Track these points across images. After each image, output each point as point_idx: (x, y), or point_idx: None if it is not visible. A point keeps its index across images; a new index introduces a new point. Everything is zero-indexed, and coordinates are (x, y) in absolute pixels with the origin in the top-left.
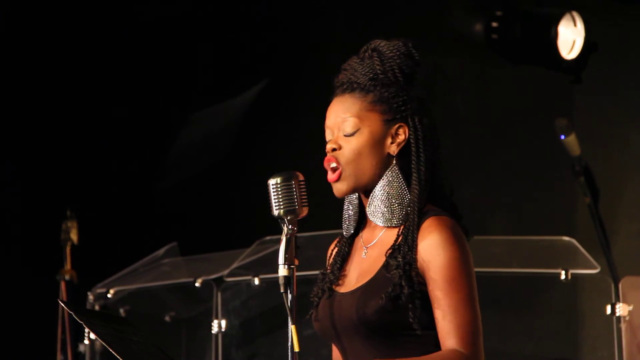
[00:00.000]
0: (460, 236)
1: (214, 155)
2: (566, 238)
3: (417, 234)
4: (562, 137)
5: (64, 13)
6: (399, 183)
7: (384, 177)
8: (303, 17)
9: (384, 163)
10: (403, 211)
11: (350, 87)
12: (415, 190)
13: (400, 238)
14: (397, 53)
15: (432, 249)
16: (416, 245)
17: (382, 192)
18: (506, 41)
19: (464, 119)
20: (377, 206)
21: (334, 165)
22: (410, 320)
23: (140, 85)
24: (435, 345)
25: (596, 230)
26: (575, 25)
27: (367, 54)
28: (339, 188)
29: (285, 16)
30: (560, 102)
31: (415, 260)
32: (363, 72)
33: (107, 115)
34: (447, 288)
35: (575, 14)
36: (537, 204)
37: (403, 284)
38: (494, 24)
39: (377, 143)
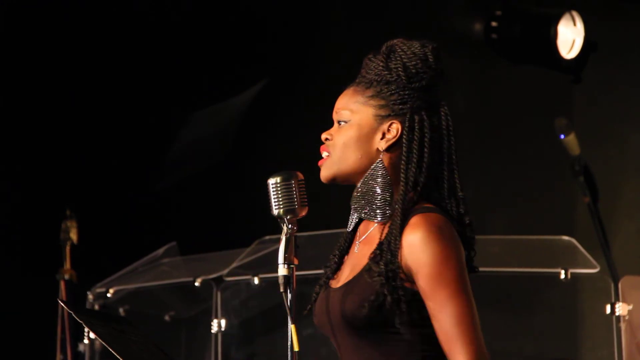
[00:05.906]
0: (447, 232)
1: (213, 155)
2: (566, 237)
3: (401, 235)
4: (562, 136)
5: (64, 13)
6: (383, 179)
7: (369, 171)
8: (303, 16)
9: (371, 157)
10: (387, 208)
11: (358, 81)
12: (401, 190)
13: (384, 243)
14: (408, 52)
15: (416, 246)
16: (400, 248)
17: (364, 185)
18: (506, 41)
19: (463, 119)
20: (358, 198)
21: (325, 153)
22: (397, 326)
23: (140, 85)
24: (422, 342)
25: (595, 229)
26: (574, 24)
27: (382, 50)
28: (321, 174)
29: (286, 16)
30: (560, 102)
31: (399, 266)
32: (370, 68)
33: (107, 115)
34: (434, 285)
35: (574, 13)
36: (537, 204)
37: (385, 292)
38: (494, 24)
39: (365, 137)
